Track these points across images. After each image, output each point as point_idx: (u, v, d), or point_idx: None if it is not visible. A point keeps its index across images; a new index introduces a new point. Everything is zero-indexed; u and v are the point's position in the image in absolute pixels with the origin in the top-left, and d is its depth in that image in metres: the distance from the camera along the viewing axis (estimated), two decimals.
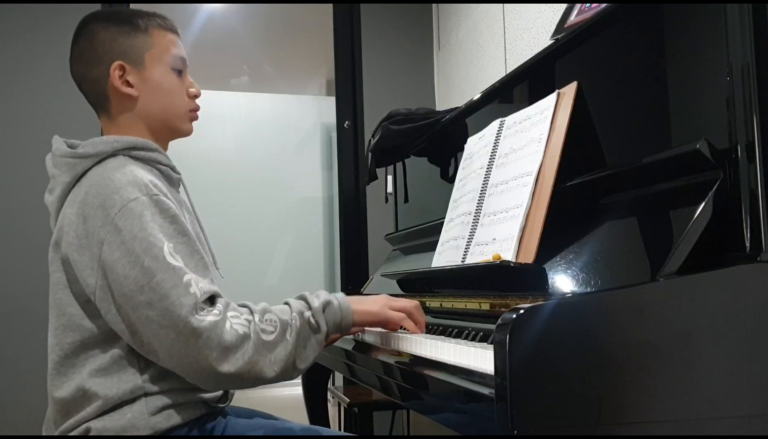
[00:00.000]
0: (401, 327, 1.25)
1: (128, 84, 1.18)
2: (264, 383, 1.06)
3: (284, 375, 1.07)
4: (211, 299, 1.04)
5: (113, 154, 1.13)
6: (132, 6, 2.83)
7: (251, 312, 1.06)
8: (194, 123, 1.28)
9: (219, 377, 1.01)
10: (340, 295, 1.17)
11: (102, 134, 1.18)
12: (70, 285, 1.09)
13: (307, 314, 1.10)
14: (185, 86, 1.24)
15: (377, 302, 1.22)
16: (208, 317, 1.00)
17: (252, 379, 1.03)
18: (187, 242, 1.06)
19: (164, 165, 1.19)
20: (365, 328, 1.35)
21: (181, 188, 1.26)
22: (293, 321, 1.08)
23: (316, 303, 1.12)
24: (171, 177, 1.21)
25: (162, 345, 1.01)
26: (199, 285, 1.02)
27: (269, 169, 4.19)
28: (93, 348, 1.07)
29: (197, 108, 1.27)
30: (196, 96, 1.26)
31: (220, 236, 1.31)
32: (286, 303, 1.12)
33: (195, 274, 1.03)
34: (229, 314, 1.03)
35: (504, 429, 0.77)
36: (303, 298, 1.14)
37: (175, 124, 1.24)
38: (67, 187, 1.13)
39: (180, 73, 1.23)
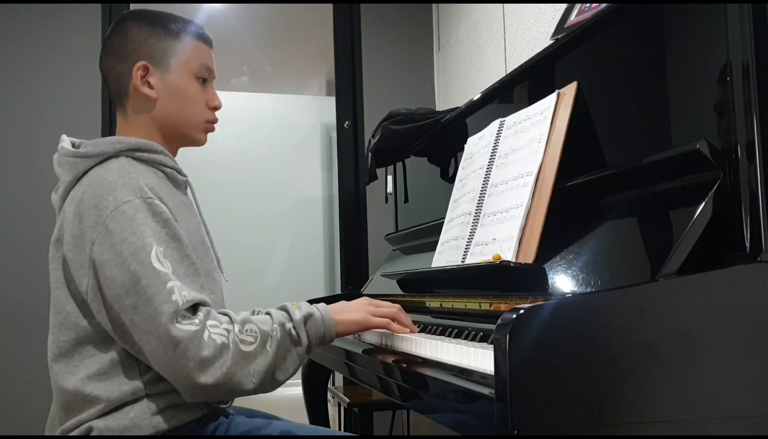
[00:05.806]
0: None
1: (149, 85, 1.19)
2: (242, 394, 1.05)
3: (263, 387, 1.05)
4: (194, 307, 1.03)
5: (115, 154, 1.13)
6: (132, 6, 2.83)
7: (231, 322, 1.05)
8: None
9: (197, 387, 1.00)
10: (322, 306, 1.15)
11: (110, 133, 1.19)
12: (67, 283, 1.10)
13: (288, 325, 1.09)
14: (206, 97, 1.25)
15: (359, 310, 1.20)
16: (187, 327, 0.99)
17: (230, 390, 1.02)
18: (179, 247, 1.06)
19: (169, 167, 1.19)
20: None
21: (188, 191, 1.26)
22: (274, 332, 1.07)
23: (297, 315, 1.10)
24: (176, 180, 1.21)
25: (147, 349, 1.02)
26: (182, 292, 1.01)
27: (269, 169, 4.19)
28: (88, 347, 1.08)
29: (215, 120, 1.28)
30: (216, 108, 1.27)
31: (219, 237, 1.31)
32: (268, 313, 1.11)
33: (181, 280, 1.03)
34: (209, 323, 1.02)
35: (504, 429, 0.77)
36: (284, 309, 1.13)
37: (188, 133, 1.25)
38: (68, 186, 1.13)
39: (204, 82, 1.24)
